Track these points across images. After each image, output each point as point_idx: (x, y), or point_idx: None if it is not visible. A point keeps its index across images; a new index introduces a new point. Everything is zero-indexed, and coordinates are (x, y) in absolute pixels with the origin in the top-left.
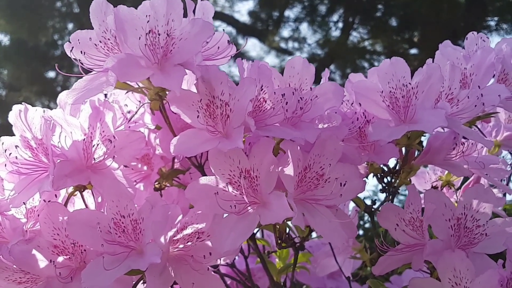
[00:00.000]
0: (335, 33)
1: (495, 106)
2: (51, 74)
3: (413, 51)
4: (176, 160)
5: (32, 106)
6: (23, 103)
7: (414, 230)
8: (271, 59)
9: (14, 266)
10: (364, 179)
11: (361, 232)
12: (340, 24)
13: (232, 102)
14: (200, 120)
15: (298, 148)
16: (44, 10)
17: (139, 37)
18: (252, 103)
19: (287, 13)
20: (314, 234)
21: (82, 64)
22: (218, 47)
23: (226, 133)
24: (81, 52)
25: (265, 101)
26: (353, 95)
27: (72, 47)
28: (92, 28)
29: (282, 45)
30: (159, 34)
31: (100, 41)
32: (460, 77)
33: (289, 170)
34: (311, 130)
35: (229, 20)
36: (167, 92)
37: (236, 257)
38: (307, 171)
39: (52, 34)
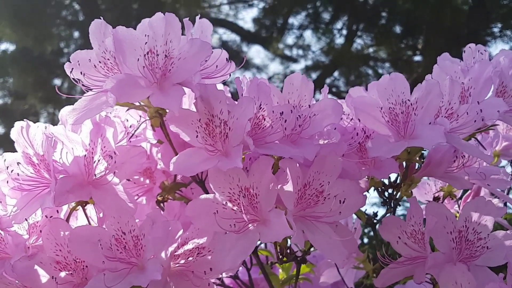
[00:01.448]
0: (339, 40)
1: (494, 120)
2: (57, 81)
3: (417, 57)
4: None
5: (38, 113)
6: (25, 119)
7: (416, 243)
8: (276, 66)
9: (17, 282)
10: (365, 193)
11: (365, 240)
12: (344, 31)
13: (231, 120)
14: (199, 139)
15: (297, 165)
16: (49, 18)
17: (138, 58)
18: (250, 122)
19: (291, 20)
20: None
21: (82, 84)
22: (217, 65)
23: (226, 152)
24: (81, 73)
25: (264, 119)
26: (353, 110)
27: (72, 68)
28: None
29: (287, 52)
30: (157, 54)
31: (100, 62)
32: (460, 91)
33: (289, 187)
34: (310, 147)
35: (233, 27)
36: (167, 110)
37: (240, 268)
38: (306, 188)
39: (57, 42)
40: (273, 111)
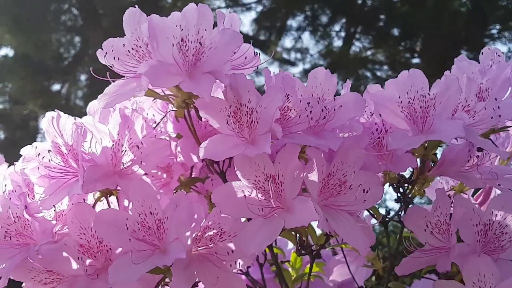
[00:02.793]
0: (337, 43)
1: (511, 119)
2: (56, 87)
3: (415, 60)
4: (193, 169)
5: (37, 119)
6: (56, 110)
7: (440, 233)
8: (274, 69)
9: (40, 267)
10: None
11: None
12: (342, 34)
13: (259, 109)
14: (229, 126)
15: (322, 155)
16: (48, 24)
17: (171, 46)
18: (279, 110)
19: (289, 23)
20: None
21: (109, 72)
22: (246, 57)
23: (252, 140)
24: (114, 58)
25: (290, 110)
26: (371, 106)
27: (106, 53)
28: (94, 41)
29: (285, 55)
30: (190, 43)
31: (132, 48)
32: (476, 89)
33: (314, 176)
34: (334, 139)
35: None
36: (193, 100)
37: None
38: (330, 178)
39: (57, 48)
40: (300, 102)
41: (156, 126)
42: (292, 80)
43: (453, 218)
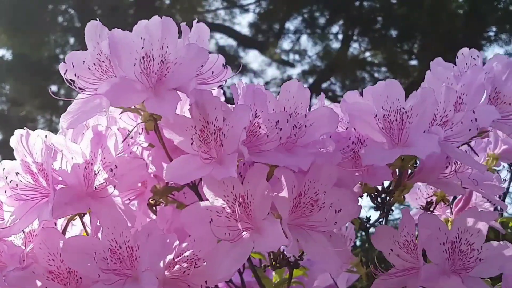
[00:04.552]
0: (335, 45)
1: (486, 128)
2: (54, 88)
3: (413, 62)
4: None
5: (35, 120)
6: (24, 128)
7: (409, 253)
8: (273, 71)
9: None
10: (359, 199)
11: (358, 243)
12: (340, 36)
13: (226, 128)
14: (194, 146)
15: (293, 173)
16: (45, 24)
17: (134, 62)
18: (246, 130)
19: (287, 25)
20: None
21: (75, 86)
22: (213, 71)
23: (219, 159)
24: (75, 74)
25: (260, 127)
26: (347, 117)
27: (66, 70)
28: None
29: (283, 57)
30: (153, 59)
31: (94, 64)
32: (455, 99)
33: (284, 196)
34: (305, 157)
35: (230, 32)
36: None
37: None
38: (301, 197)
39: (54, 49)
40: (268, 120)
41: (126, 138)
42: (262, 94)
43: (419, 240)
